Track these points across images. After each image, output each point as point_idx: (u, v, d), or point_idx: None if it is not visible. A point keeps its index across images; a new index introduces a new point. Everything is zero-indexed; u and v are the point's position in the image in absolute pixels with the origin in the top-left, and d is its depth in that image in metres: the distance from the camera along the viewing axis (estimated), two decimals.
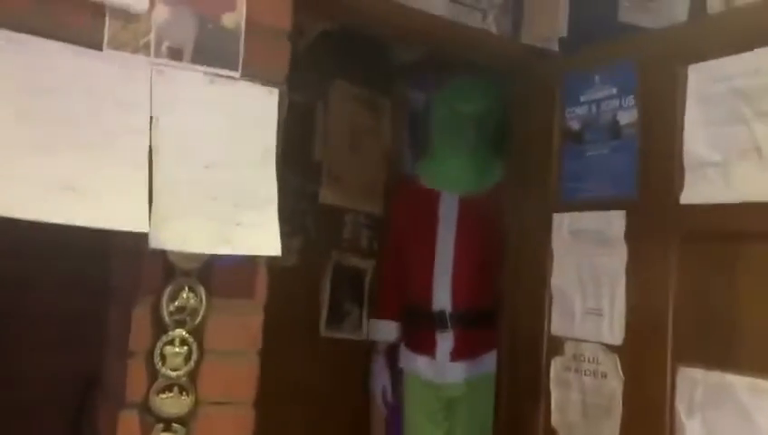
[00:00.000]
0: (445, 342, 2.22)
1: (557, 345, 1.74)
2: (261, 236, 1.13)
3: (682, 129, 1.49)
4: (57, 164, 0.95)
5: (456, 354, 2.22)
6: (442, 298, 2.20)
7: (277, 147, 1.20)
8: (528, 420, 1.77)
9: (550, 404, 1.73)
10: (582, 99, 1.76)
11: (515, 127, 1.98)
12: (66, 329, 1.48)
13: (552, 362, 1.74)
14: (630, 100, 1.63)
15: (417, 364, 2.30)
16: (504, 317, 1.92)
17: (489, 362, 2.07)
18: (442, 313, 2.20)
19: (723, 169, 1.41)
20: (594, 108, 1.73)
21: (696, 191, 1.45)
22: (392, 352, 2.42)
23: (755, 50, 1.37)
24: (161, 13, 1.11)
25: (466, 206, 2.24)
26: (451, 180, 2.27)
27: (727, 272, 1.38)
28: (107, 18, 1.07)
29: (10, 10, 1.00)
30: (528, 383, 1.79)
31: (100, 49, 1.06)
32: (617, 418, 1.55)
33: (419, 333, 2.29)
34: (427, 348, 2.25)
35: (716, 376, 1.36)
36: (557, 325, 1.75)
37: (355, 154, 2.74)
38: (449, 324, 2.20)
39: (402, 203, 2.42)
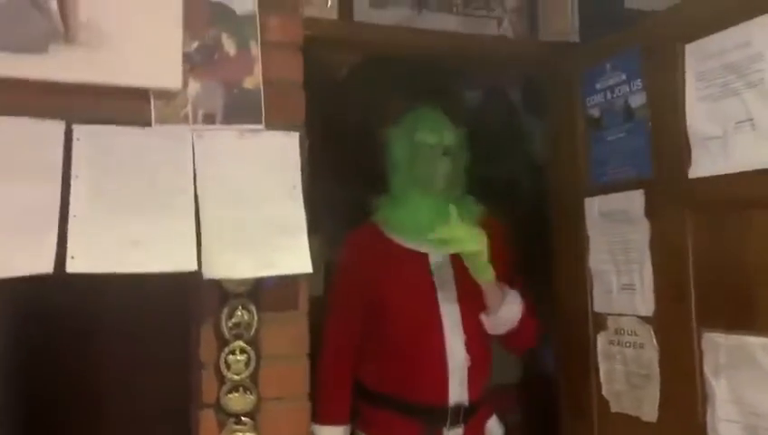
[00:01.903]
0: None
1: (601, 321, 1.85)
2: (294, 258, 1.35)
3: (684, 106, 1.57)
4: (125, 225, 1.23)
5: None
6: (458, 391, 1.74)
7: (303, 180, 1.42)
8: (584, 393, 1.89)
9: (599, 377, 1.84)
10: (598, 87, 1.85)
11: (547, 121, 2.09)
12: (171, 349, 1.71)
13: (598, 338, 1.85)
14: (638, 83, 1.71)
15: None
16: (553, 301, 2.04)
17: None
18: (457, 408, 1.74)
19: (722, 142, 1.47)
20: (609, 94, 1.82)
21: (702, 165, 1.52)
22: None
23: (742, 23, 1.43)
24: (194, 87, 1.37)
25: (462, 267, 1.70)
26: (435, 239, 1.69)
27: (737, 239, 1.44)
28: (152, 100, 1.34)
29: (83, 109, 1.29)
30: (579, 359, 1.91)
31: (150, 125, 1.33)
32: (656, 385, 1.65)
33: (410, 428, 1.75)
34: None
35: (735, 338, 1.43)
36: (598, 303, 1.86)
37: None
38: (462, 419, 1.76)
39: (364, 263, 1.82)
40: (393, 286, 1.78)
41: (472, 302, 1.74)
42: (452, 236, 1.64)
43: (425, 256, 1.80)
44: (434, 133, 1.81)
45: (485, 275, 1.68)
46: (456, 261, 1.73)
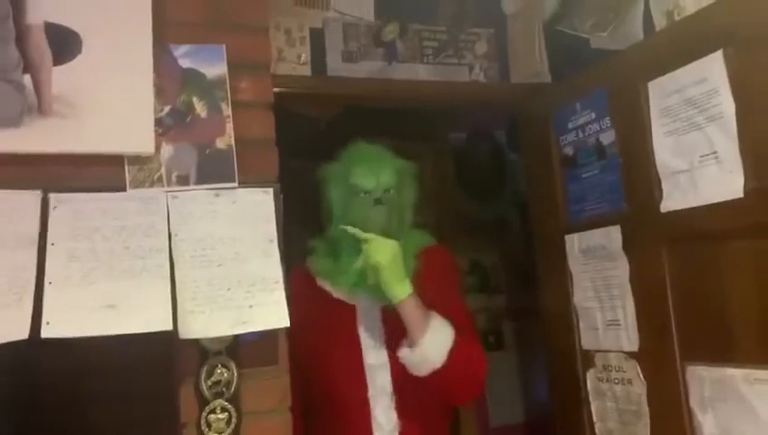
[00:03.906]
0: None
1: (589, 358, 1.84)
2: (271, 313, 1.36)
3: (652, 142, 1.59)
4: (100, 288, 1.24)
5: None
6: None
7: (279, 236, 1.44)
8: (577, 432, 1.87)
9: (592, 415, 1.83)
10: (570, 126, 1.89)
11: (523, 162, 2.12)
12: (158, 409, 1.67)
13: (588, 375, 1.85)
14: (607, 121, 1.75)
15: None
16: (544, 338, 2.04)
17: None
18: None
19: (690, 175, 1.49)
20: (581, 133, 1.85)
21: (672, 199, 1.54)
22: None
23: (697, 60, 1.47)
24: (167, 150, 1.39)
25: (392, 319, 1.50)
26: (363, 285, 1.53)
27: (711, 271, 1.46)
28: (126, 165, 1.37)
29: (59, 178, 1.32)
30: (571, 397, 1.89)
31: (125, 190, 1.36)
32: (646, 421, 1.63)
33: None
34: None
35: (718, 371, 1.43)
36: (586, 340, 1.86)
37: None
38: None
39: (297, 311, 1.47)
40: (315, 341, 1.58)
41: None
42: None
43: (352, 308, 1.59)
44: (370, 177, 1.58)
45: (399, 289, 1.44)
46: (388, 316, 1.53)
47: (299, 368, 1.57)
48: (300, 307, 1.56)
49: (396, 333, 1.51)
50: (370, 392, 1.54)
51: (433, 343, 1.44)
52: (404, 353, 1.48)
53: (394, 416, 1.54)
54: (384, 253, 1.46)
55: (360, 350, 1.57)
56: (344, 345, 1.58)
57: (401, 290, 1.45)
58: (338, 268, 1.59)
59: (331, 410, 1.58)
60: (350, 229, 1.52)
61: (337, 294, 1.62)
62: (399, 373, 1.52)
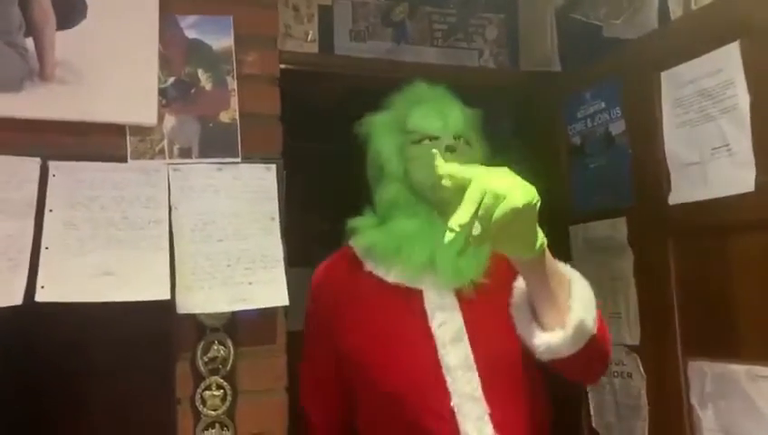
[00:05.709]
0: None
1: None
2: (271, 292, 1.34)
3: (662, 133, 1.57)
4: (98, 257, 1.22)
5: None
6: None
7: (280, 213, 1.42)
8: (573, 426, 1.86)
9: (589, 408, 1.81)
10: (579, 115, 1.86)
11: (529, 151, 2.09)
12: (142, 383, 1.65)
13: None
14: (617, 111, 1.72)
15: None
16: None
17: None
18: None
19: (701, 168, 1.47)
20: (590, 122, 1.83)
21: (681, 191, 1.52)
22: None
23: (714, 51, 1.44)
24: (169, 122, 1.37)
25: (472, 305, 1.20)
26: (434, 262, 1.19)
27: (717, 265, 1.44)
28: (128, 135, 1.34)
29: (59, 146, 1.29)
30: (569, 389, 1.87)
31: (126, 161, 1.34)
32: (645, 416, 1.62)
33: None
34: None
35: (720, 366, 1.41)
36: None
37: None
38: None
39: (332, 307, 1.33)
40: (373, 338, 1.24)
41: (500, 356, 1.16)
42: (491, 186, 0.85)
43: (417, 294, 1.22)
44: (435, 118, 1.22)
45: (537, 240, 0.96)
46: (465, 301, 1.19)
47: (352, 371, 1.30)
48: (340, 301, 1.31)
49: (479, 321, 1.18)
50: (455, 401, 1.16)
51: (585, 306, 1.06)
52: (545, 338, 1.03)
53: (490, 431, 1.14)
54: (529, 190, 0.93)
55: (435, 346, 1.19)
56: (412, 342, 1.20)
57: (540, 240, 0.98)
58: (399, 239, 1.20)
59: (401, 425, 1.20)
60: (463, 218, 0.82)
61: (394, 278, 1.24)
62: (489, 374, 1.17)
